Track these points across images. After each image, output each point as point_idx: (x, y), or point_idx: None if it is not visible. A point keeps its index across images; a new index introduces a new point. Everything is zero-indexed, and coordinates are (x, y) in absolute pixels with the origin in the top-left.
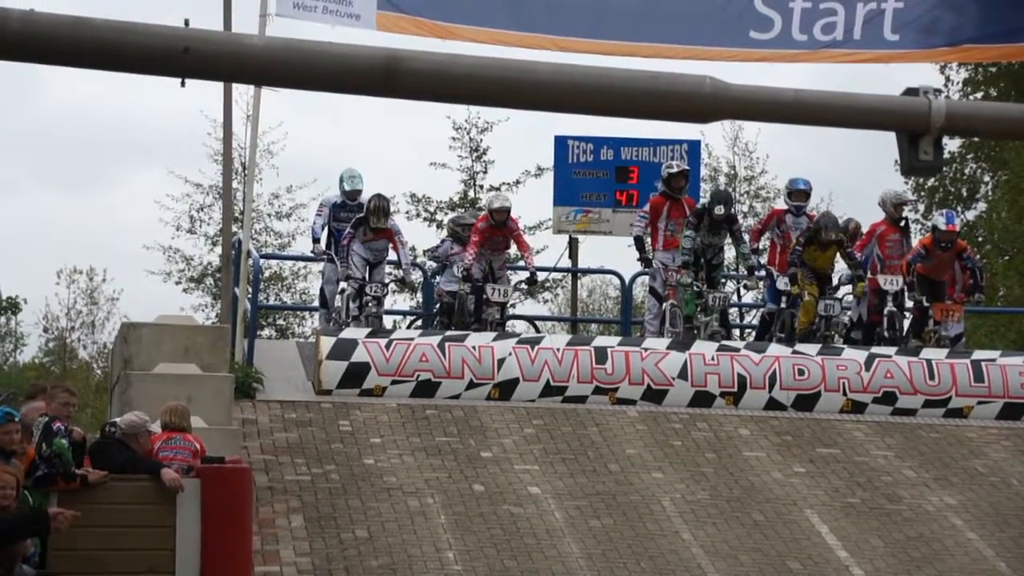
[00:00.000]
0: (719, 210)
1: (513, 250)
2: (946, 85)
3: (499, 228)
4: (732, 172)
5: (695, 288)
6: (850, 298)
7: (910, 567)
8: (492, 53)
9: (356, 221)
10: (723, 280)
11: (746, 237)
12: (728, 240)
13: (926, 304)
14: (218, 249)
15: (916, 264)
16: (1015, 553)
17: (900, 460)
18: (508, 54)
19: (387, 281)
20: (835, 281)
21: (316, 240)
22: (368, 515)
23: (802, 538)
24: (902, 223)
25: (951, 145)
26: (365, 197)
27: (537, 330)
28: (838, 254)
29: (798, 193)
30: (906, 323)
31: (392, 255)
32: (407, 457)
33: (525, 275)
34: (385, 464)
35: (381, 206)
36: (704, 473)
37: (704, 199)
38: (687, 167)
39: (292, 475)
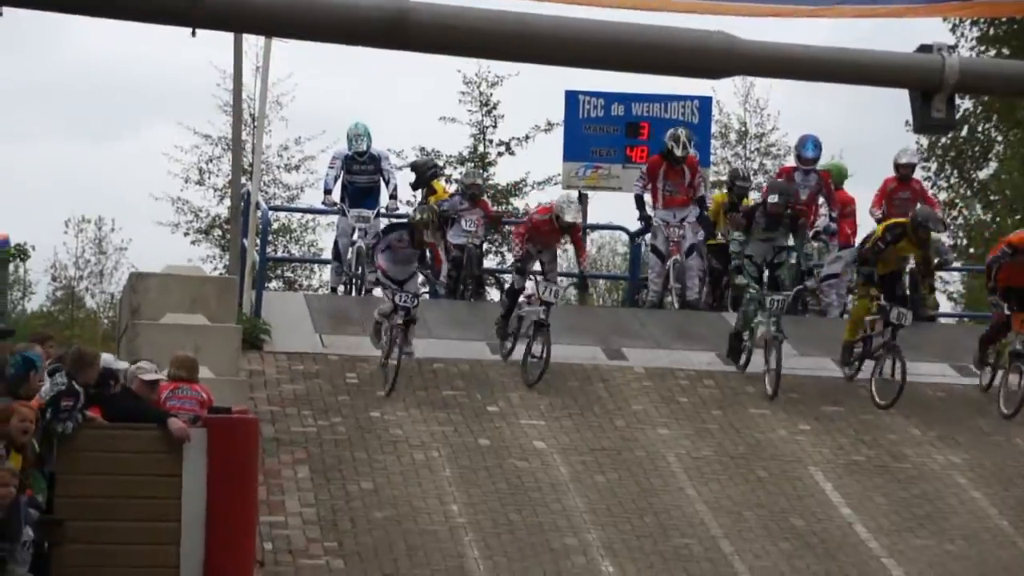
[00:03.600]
0: (773, 199)
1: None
2: (958, 44)
3: (560, 232)
4: (743, 129)
5: (751, 291)
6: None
7: (913, 524)
8: (502, 5)
9: (387, 228)
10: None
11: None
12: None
13: (1008, 312)
14: (227, 201)
15: (1000, 264)
16: (1018, 512)
17: (905, 419)
18: (518, 6)
19: (420, 293)
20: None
21: (328, 191)
22: (373, 467)
23: (806, 495)
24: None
25: (964, 104)
26: (377, 151)
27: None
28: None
29: (806, 160)
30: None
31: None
32: (413, 410)
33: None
34: (391, 417)
35: (433, 220)
36: (709, 430)
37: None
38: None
39: (299, 426)
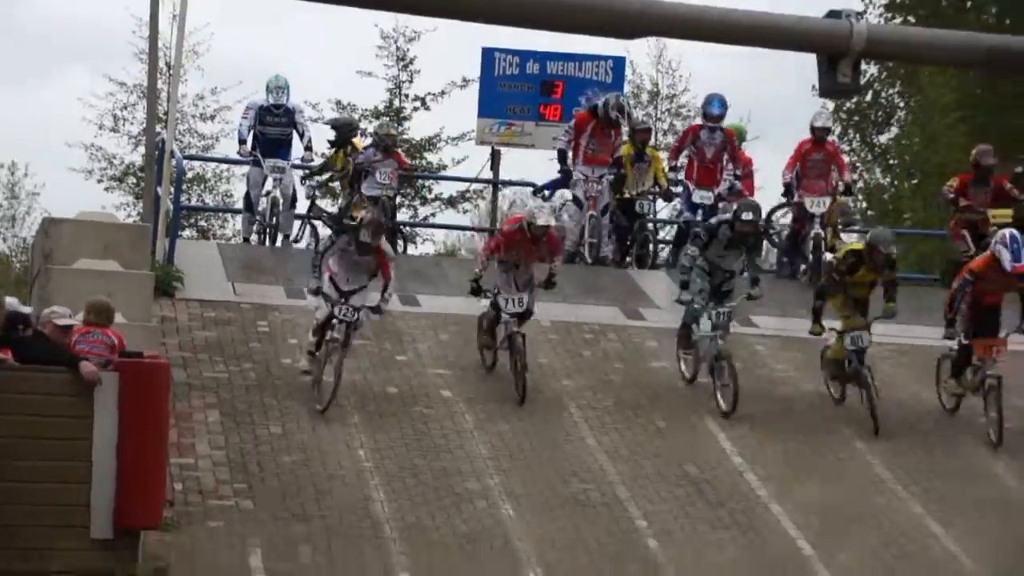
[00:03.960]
0: (748, 215)
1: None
2: (866, 10)
3: (534, 242)
4: (655, 90)
5: (695, 306)
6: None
7: (801, 474)
8: None
9: (341, 230)
10: (730, 292)
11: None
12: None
13: (965, 341)
14: (141, 149)
15: (964, 292)
16: (901, 463)
17: (799, 373)
18: None
19: (360, 306)
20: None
21: (242, 142)
22: (283, 412)
23: (701, 444)
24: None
25: (869, 69)
26: (292, 104)
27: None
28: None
29: (711, 116)
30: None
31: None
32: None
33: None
34: (301, 364)
35: (379, 222)
36: (611, 381)
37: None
38: (622, 104)
39: (210, 372)
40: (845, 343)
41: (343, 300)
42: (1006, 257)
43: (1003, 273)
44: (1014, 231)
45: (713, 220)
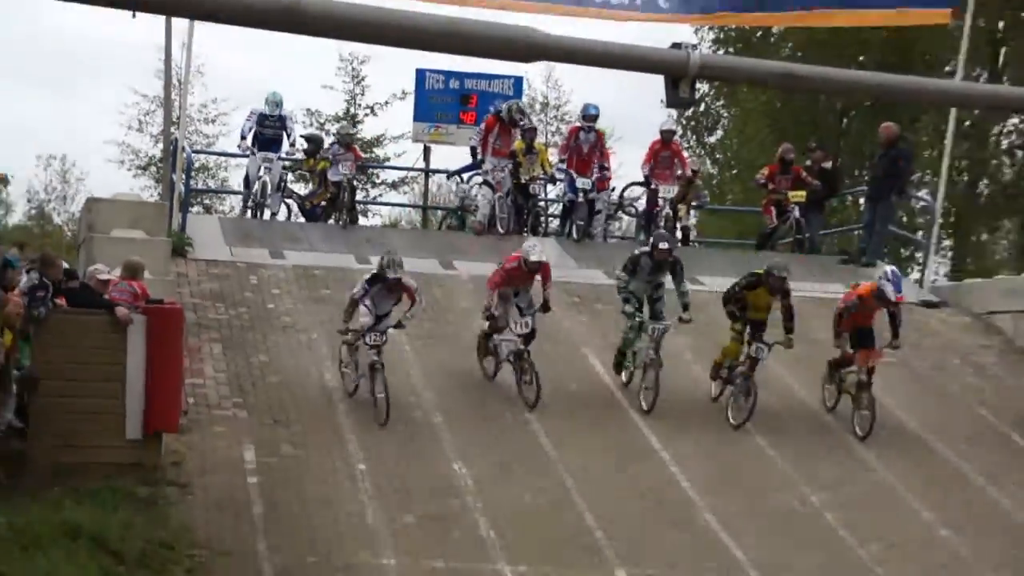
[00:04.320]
0: (664, 244)
1: None
2: (700, 43)
3: (531, 274)
4: (545, 101)
5: (637, 319)
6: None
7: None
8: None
9: (372, 278)
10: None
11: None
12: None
13: (851, 351)
14: (160, 145)
15: (850, 312)
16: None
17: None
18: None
19: (388, 328)
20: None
21: (243, 138)
22: (268, 345)
23: (580, 367)
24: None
25: (702, 87)
26: (284, 112)
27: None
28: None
29: (589, 117)
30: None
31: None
32: (299, 304)
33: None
34: (283, 309)
35: (396, 260)
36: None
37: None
38: (521, 108)
39: (214, 314)
40: (750, 351)
41: (376, 325)
42: (889, 289)
43: (882, 300)
44: (894, 268)
45: (636, 251)
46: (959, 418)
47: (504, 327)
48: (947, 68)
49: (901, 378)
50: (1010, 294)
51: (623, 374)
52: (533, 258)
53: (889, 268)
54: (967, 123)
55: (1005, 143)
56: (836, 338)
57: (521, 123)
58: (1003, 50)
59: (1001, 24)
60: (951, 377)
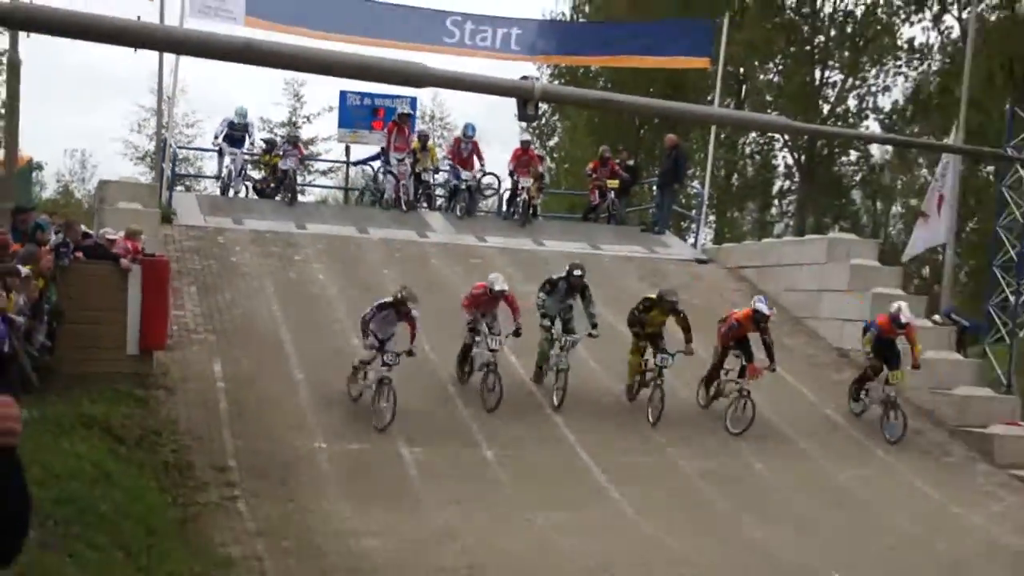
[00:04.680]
0: (579, 272)
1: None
2: (541, 75)
3: (495, 301)
4: (432, 115)
5: (551, 335)
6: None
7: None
8: (307, 43)
9: (382, 305)
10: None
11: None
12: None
13: (745, 363)
14: (154, 142)
15: (732, 333)
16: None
17: (517, 272)
18: (317, 44)
19: (400, 352)
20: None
21: (216, 137)
22: (232, 287)
23: (456, 308)
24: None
25: (544, 107)
26: (248, 121)
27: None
28: (673, 319)
29: (467, 136)
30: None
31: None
32: (255, 259)
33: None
34: (243, 261)
35: (412, 294)
36: (406, 269)
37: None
38: (409, 112)
39: (192, 265)
40: (656, 360)
41: (382, 347)
42: (762, 306)
43: (758, 316)
44: (763, 296)
45: (554, 276)
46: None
47: (480, 331)
48: (708, 97)
49: (688, 307)
50: (752, 254)
51: (542, 379)
52: (497, 288)
53: (757, 296)
54: (723, 136)
55: (748, 150)
56: (719, 350)
57: (415, 129)
58: (744, 87)
59: (742, 69)
60: (715, 311)
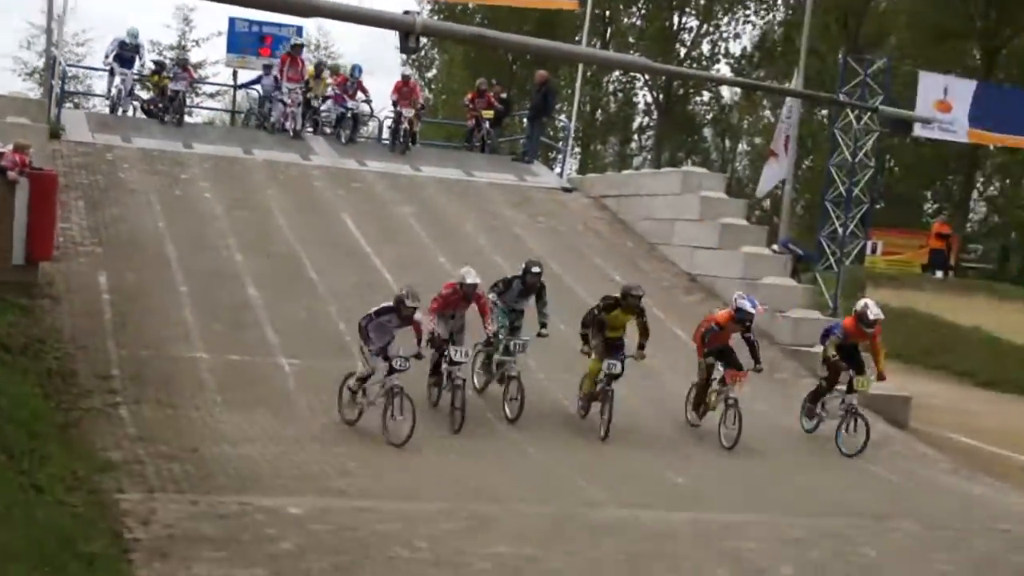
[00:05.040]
0: (536, 269)
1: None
2: (422, 10)
3: (466, 300)
4: (318, 44)
5: (500, 335)
6: None
7: (388, 238)
8: None
9: (381, 311)
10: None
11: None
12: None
13: (722, 369)
14: (43, 59)
15: (710, 336)
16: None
17: (395, 195)
18: None
19: (409, 356)
20: None
21: (106, 57)
22: (120, 203)
23: (340, 230)
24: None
25: (424, 40)
26: (138, 42)
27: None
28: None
29: (355, 77)
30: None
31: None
32: (141, 176)
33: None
34: (129, 178)
35: (415, 292)
36: (290, 190)
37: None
38: (302, 43)
39: (80, 179)
40: (603, 367)
41: (384, 353)
42: (747, 305)
43: (741, 315)
44: (744, 292)
45: (508, 276)
46: (584, 265)
47: (445, 341)
48: (576, 37)
49: (548, 231)
50: (613, 184)
51: (476, 382)
52: (469, 280)
53: (738, 293)
54: (589, 73)
55: (611, 88)
56: (702, 363)
57: (303, 58)
58: (609, 29)
59: (608, 12)
60: (578, 236)
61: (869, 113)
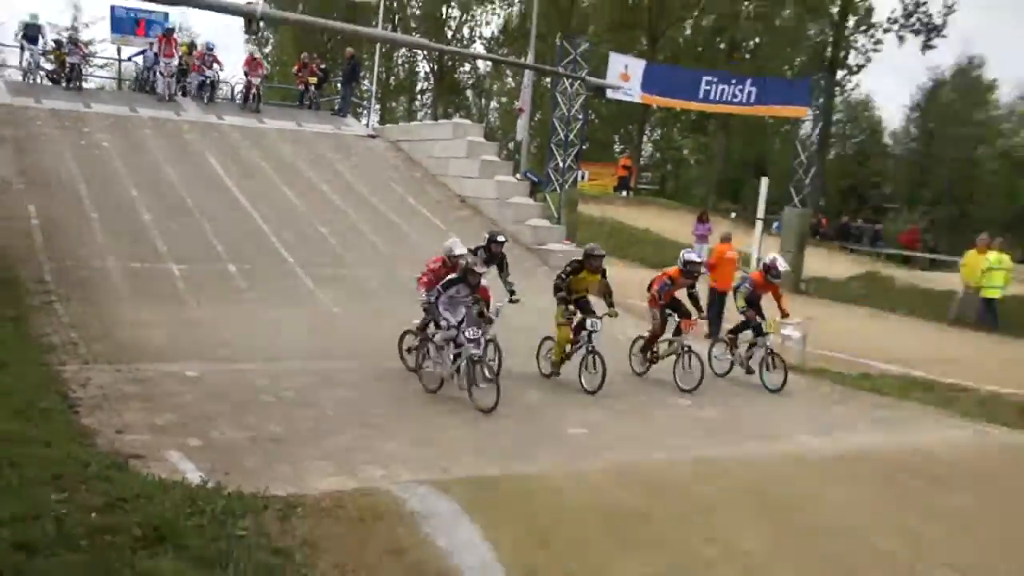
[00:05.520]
0: (501, 238)
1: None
2: (272, 3)
3: (453, 269)
4: (180, 25)
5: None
6: None
7: (244, 174)
8: None
9: (450, 282)
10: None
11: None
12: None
13: (677, 320)
14: None
15: (666, 290)
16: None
17: (247, 142)
18: None
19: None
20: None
21: (16, 35)
22: (39, 151)
23: (210, 174)
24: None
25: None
26: (41, 23)
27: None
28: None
29: (209, 52)
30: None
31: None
32: (51, 130)
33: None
34: (44, 131)
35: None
36: (166, 136)
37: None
38: (174, 27)
39: (4, 133)
40: (587, 325)
41: (458, 328)
42: (694, 257)
43: (685, 277)
44: (691, 248)
45: (473, 246)
46: (386, 190)
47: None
48: (373, 22)
49: (359, 166)
50: (405, 132)
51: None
52: (456, 251)
53: (685, 250)
54: (383, 50)
55: (400, 60)
56: (655, 314)
57: (175, 38)
58: (398, 16)
59: (396, 3)
60: (381, 170)
61: (578, 81)
